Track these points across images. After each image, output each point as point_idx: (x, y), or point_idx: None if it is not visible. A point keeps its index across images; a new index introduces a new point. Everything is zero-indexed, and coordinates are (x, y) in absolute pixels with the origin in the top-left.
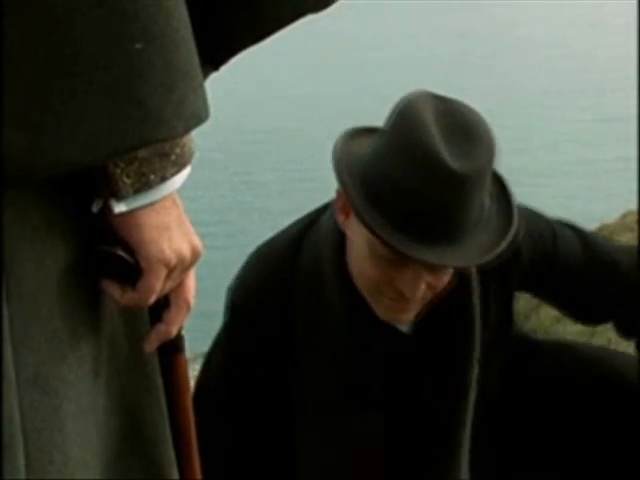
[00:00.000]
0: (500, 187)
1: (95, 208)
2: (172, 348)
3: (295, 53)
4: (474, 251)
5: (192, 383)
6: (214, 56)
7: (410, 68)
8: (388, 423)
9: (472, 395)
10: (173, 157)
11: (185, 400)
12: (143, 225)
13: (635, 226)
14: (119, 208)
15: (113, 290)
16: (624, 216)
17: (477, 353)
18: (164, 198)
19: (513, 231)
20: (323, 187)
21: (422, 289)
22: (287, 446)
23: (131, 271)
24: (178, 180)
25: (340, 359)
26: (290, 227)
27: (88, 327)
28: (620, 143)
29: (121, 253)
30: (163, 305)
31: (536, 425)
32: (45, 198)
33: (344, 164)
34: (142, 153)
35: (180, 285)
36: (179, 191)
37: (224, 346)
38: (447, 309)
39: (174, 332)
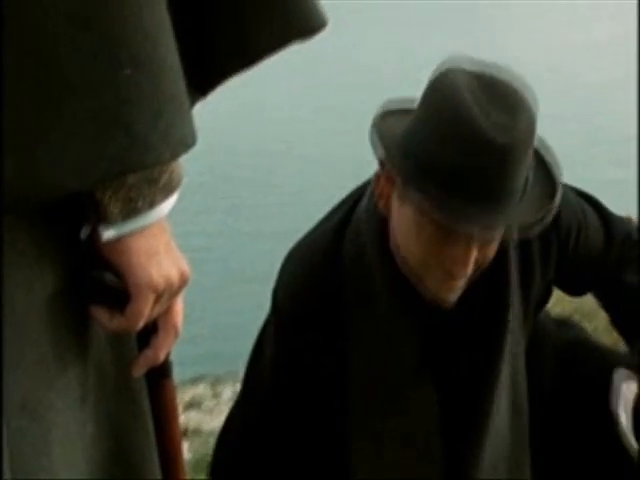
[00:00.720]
0: (538, 157)
1: (84, 234)
2: (160, 374)
3: (287, 75)
4: (522, 215)
5: (180, 408)
6: (201, 82)
7: (405, 89)
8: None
9: (505, 367)
10: (161, 183)
11: (173, 426)
12: (132, 250)
13: None
14: (108, 234)
15: (101, 315)
16: None
17: (515, 324)
18: (152, 224)
19: (559, 197)
20: (314, 209)
21: (471, 266)
22: (339, 440)
23: (120, 296)
24: (166, 206)
25: (389, 342)
26: (326, 219)
27: (75, 353)
28: (610, 166)
29: (110, 278)
30: (151, 330)
31: (583, 429)
32: (34, 223)
33: (386, 141)
34: (130, 179)
35: (168, 310)
36: (168, 215)
37: (273, 345)
38: (485, 281)
39: (162, 357)
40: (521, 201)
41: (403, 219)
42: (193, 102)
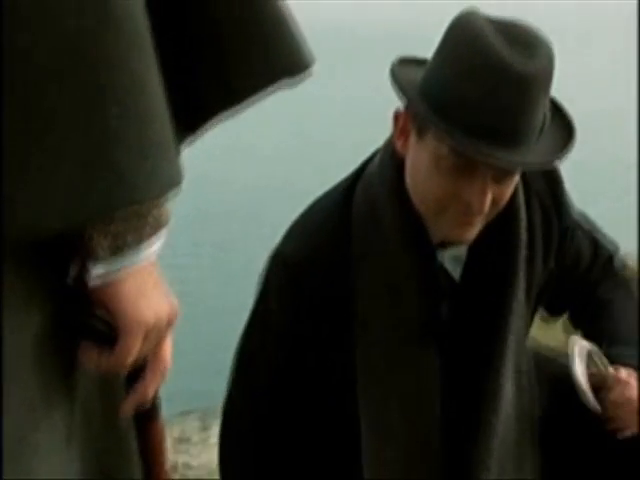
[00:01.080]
0: (553, 104)
1: (72, 271)
2: (148, 413)
3: (276, 109)
4: (541, 155)
5: (169, 443)
6: (190, 121)
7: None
8: (441, 358)
9: (514, 328)
10: (150, 220)
11: (160, 464)
12: (120, 288)
13: None
14: (96, 271)
15: (90, 353)
16: None
17: (521, 283)
18: (141, 260)
19: (575, 139)
20: None
21: (489, 200)
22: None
23: (109, 334)
24: (155, 243)
25: (395, 300)
26: (338, 183)
27: (62, 394)
28: (584, 200)
29: (99, 315)
30: (139, 368)
31: (579, 448)
32: (21, 262)
33: (404, 82)
34: (119, 215)
35: (157, 348)
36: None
37: (278, 309)
38: (495, 236)
39: (150, 395)
40: (539, 140)
41: (422, 156)
42: (182, 139)
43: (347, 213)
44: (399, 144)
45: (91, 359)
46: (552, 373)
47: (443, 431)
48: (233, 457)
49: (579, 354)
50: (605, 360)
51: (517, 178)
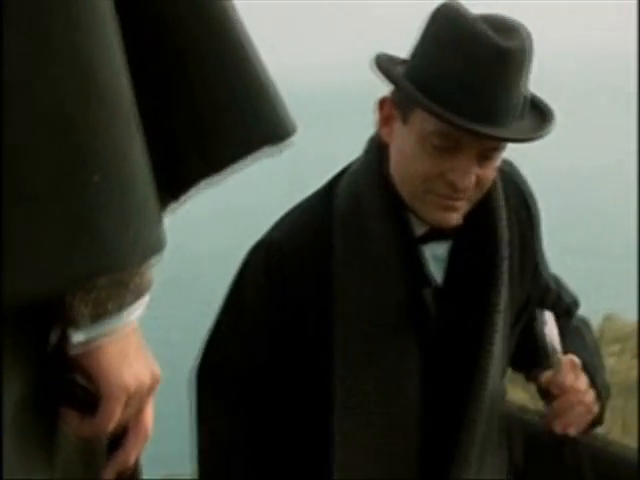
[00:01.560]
0: (534, 100)
1: (53, 338)
2: (129, 478)
3: (258, 174)
4: (522, 132)
5: None
6: (172, 187)
7: None
8: (427, 356)
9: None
10: (131, 286)
11: None
12: (102, 353)
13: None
14: (77, 337)
15: (72, 419)
16: None
17: (505, 279)
18: (122, 326)
19: (554, 121)
20: None
21: (473, 179)
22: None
23: (90, 399)
24: (137, 308)
25: (378, 280)
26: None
27: (42, 461)
28: (584, 259)
29: (80, 381)
30: (121, 433)
31: None
32: (2, 328)
33: (388, 68)
34: (100, 282)
35: (139, 412)
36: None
37: (255, 296)
38: (476, 234)
39: (132, 460)
40: (520, 121)
41: (407, 139)
42: (164, 205)
43: (329, 204)
44: (384, 132)
45: (72, 425)
46: (526, 430)
47: (425, 426)
48: (209, 447)
49: (548, 317)
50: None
51: (498, 162)
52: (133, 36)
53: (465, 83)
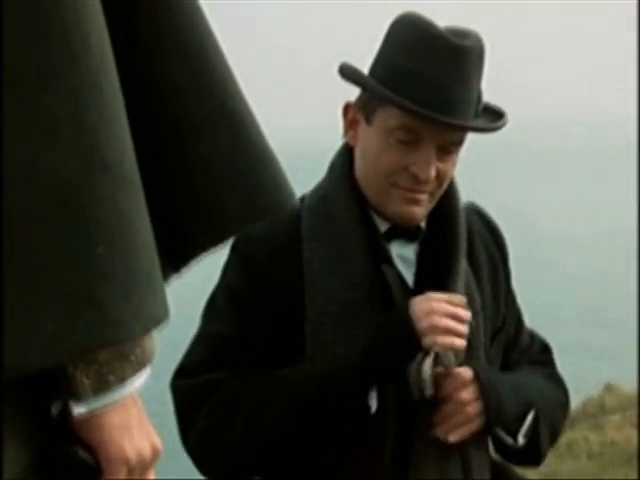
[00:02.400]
0: (487, 107)
1: (54, 409)
2: None
3: None
4: (479, 123)
5: None
6: (175, 259)
7: None
8: None
9: None
10: (133, 358)
11: None
12: (103, 425)
13: (596, 412)
14: (78, 410)
15: None
16: (585, 403)
17: (461, 269)
18: (124, 398)
19: (506, 119)
20: None
21: (433, 172)
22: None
23: (91, 471)
24: (138, 380)
25: (345, 261)
26: None
27: None
28: (583, 329)
29: (81, 453)
30: None
31: None
32: (4, 399)
33: (353, 72)
34: (102, 354)
35: None
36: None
37: (237, 296)
38: (440, 235)
39: None
40: (476, 119)
41: (371, 137)
42: (167, 277)
43: (299, 209)
44: (349, 135)
45: None
46: None
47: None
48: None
49: (425, 355)
50: (453, 360)
51: (456, 158)
52: (134, 109)
53: (425, 78)
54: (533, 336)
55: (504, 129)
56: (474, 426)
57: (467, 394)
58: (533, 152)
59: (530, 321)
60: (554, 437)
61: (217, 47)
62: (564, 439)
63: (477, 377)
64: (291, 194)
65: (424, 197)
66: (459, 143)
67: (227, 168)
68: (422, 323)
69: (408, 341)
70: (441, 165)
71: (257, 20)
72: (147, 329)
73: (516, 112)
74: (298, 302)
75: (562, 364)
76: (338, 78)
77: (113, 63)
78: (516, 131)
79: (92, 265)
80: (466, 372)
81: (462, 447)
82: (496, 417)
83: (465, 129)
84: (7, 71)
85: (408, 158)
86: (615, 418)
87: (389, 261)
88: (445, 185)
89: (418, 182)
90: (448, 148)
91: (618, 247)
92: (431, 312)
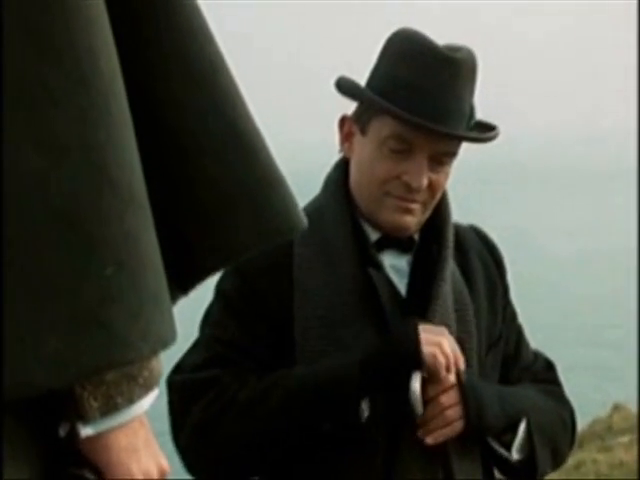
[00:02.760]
0: (480, 123)
1: (62, 431)
2: None
3: None
4: (471, 134)
5: None
6: (183, 280)
7: None
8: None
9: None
10: (141, 380)
11: None
12: (111, 447)
13: (604, 434)
14: (86, 431)
15: None
16: (592, 424)
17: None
18: (131, 420)
19: (498, 131)
20: None
21: (425, 181)
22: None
23: None
24: (146, 402)
25: (332, 263)
26: None
27: None
28: (589, 348)
29: (88, 475)
30: None
31: None
32: (10, 420)
33: (348, 82)
34: (109, 376)
35: None
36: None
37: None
38: (431, 246)
39: None
40: (468, 129)
41: (366, 148)
42: (174, 299)
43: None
44: (345, 147)
45: None
46: None
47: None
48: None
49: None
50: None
51: (449, 169)
52: (142, 130)
53: (419, 89)
54: (537, 354)
55: (504, 148)
56: (454, 429)
57: (448, 398)
58: (531, 170)
59: (532, 341)
60: (556, 456)
61: (226, 68)
62: (572, 460)
63: (460, 382)
64: (300, 217)
65: (416, 207)
66: (452, 154)
67: (236, 190)
68: (428, 349)
69: (410, 361)
70: (433, 175)
71: (255, 36)
72: (155, 350)
73: (508, 130)
74: (288, 306)
75: (567, 385)
76: (335, 92)
77: (122, 86)
78: (512, 148)
79: (99, 285)
80: (449, 377)
81: (445, 456)
82: (477, 421)
83: (456, 138)
84: (17, 90)
85: (401, 167)
86: (624, 439)
87: (377, 267)
88: (438, 196)
89: (410, 191)
90: (440, 159)
91: (618, 265)
92: (439, 344)
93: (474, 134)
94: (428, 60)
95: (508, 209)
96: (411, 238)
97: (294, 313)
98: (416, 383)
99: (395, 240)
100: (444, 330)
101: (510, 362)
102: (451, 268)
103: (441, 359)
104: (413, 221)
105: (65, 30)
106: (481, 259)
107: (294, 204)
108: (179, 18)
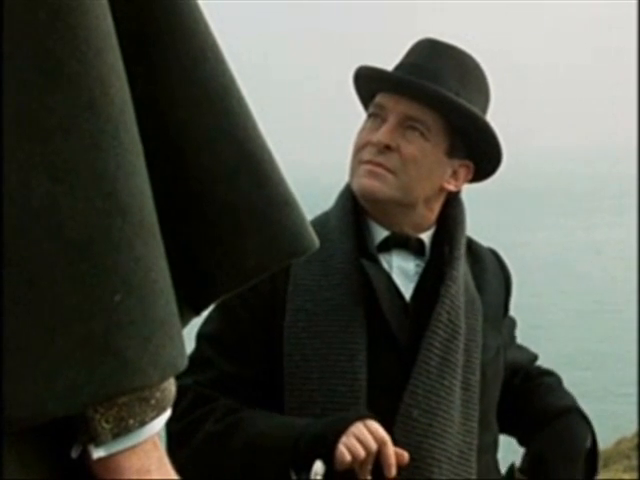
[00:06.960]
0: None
1: (74, 453)
2: None
3: None
4: (440, 92)
5: None
6: (195, 301)
7: None
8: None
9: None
10: (153, 401)
11: None
12: (123, 469)
13: (630, 453)
14: (97, 453)
15: None
16: (618, 443)
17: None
18: (144, 441)
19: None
20: None
21: (387, 137)
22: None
23: None
24: (158, 423)
25: (324, 259)
26: None
27: None
28: (615, 364)
29: None
30: None
31: None
32: (21, 443)
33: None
34: (121, 399)
35: None
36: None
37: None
38: (443, 252)
39: None
40: (457, 96)
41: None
42: (186, 321)
43: None
44: None
45: None
46: None
47: (372, 406)
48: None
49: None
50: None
51: (425, 145)
52: (154, 154)
53: (406, 64)
54: (540, 368)
55: (511, 172)
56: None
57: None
58: (534, 191)
59: (559, 359)
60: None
61: (239, 92)
62: None
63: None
64: (312, 236)
65: (382, 171)
66: (422, 122)
67: (248, 212)
68: (347, 441)
69: (321, 448)
70: (403, 142)
71: (252, 54)
72: (165, 376)
73: (511, 151)
74: (281, 301)
75: (593, 403)
76: (338, 110)
77: (132, 114)
78: (516, 171)
79: (109, 312)
80: (363, 473)
81: None
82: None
83: (421, 94)
84: (27, 117)
85: (373, 134)
86: (620, 467)
87: (373, 260)
88: (411, 171)
89: (376, 154)
90: (411, 124)
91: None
92: (357, 438)
93: (440, 94)
94: (422, 44)
95: (513, 230)
96: (420, 240)
97: (286, 306)
98: (317, 469)
99: (403, 240)
100: (374, 425)
101: (512, 374)
102: (464, 276)
103: (353, 456)
104: (381, 188)
105: (75, 59)
106: (496, 278)
107: (306, 224)
108: (191, 42)
